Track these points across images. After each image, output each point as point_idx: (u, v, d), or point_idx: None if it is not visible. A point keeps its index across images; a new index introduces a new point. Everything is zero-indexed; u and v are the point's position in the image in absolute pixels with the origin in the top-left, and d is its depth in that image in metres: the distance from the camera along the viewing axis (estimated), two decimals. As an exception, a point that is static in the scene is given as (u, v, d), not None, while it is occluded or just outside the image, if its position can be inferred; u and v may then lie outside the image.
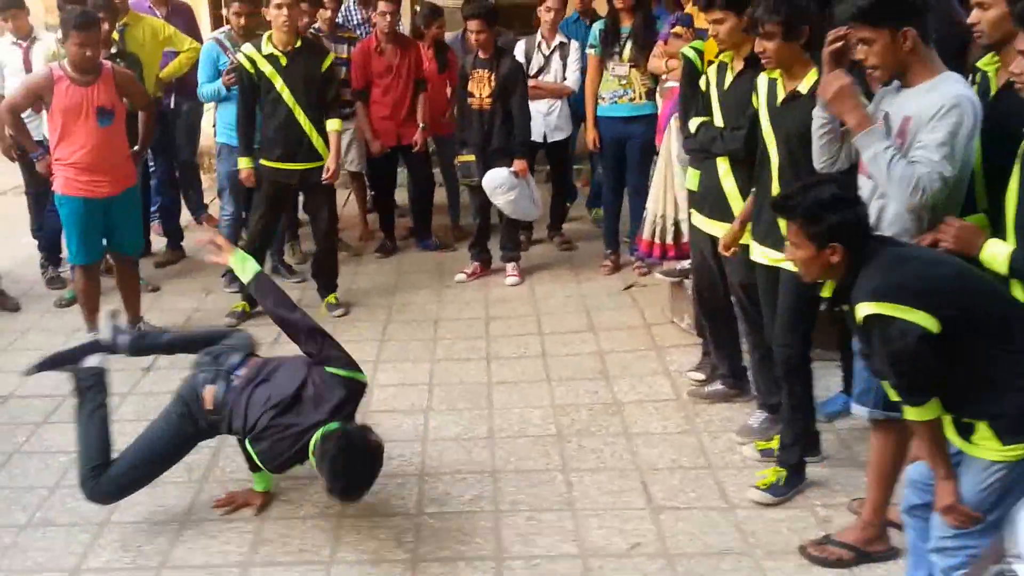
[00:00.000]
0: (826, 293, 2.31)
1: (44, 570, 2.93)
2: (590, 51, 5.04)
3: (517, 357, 4.36)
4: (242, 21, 4.96)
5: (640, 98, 4.96)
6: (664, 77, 4.45)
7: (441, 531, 3.04)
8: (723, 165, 3.33)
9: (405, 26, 6.47)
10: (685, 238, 4.50)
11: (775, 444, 3.34)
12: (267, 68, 4.59)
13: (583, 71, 5.26)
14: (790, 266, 3.01)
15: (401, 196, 6.17)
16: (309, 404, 2.84)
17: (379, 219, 6.03)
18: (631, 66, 4.91)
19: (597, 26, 5.06)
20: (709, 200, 3.42)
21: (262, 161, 4.74)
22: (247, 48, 4.67)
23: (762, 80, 3.04)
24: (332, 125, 4.79)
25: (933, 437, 2.14)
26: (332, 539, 3.03)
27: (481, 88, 5.01)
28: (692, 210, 3.59)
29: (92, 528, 3.13)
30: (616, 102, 4.99)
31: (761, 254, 3.14)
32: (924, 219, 2.51)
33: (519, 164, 5.01)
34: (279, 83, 4.59)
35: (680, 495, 3.19)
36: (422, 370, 4.25)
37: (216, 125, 5.30)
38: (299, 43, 4.62)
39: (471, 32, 4.97)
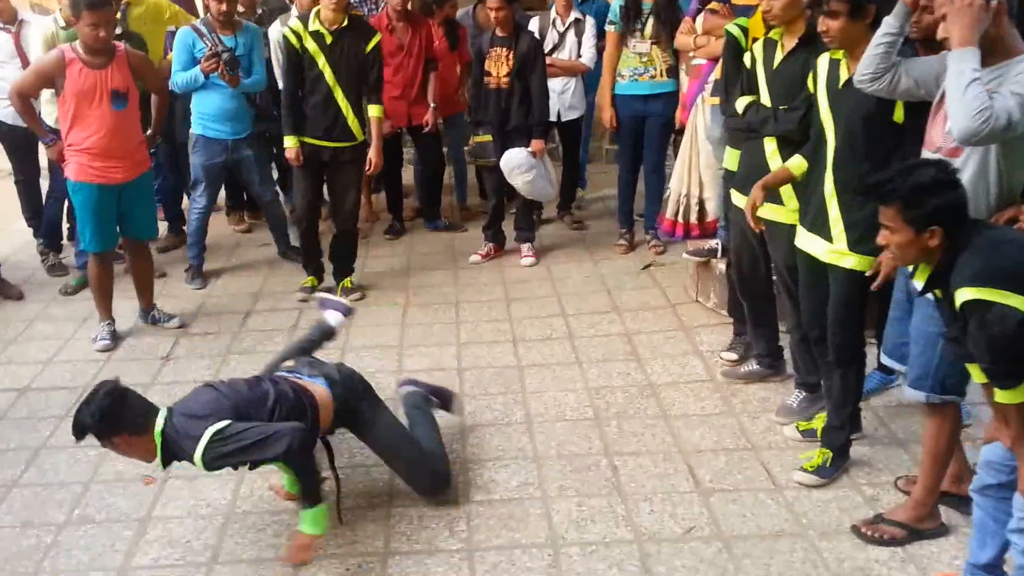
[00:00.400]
0: (919, 278, 2.29)
1: (91, 569, 2.87)
2: (609, 28, 4.95)
3: (544, 339, 4.33)
4: (222, 7, 4.71)
5: (661, 75, 4.89)
6: (692, 54, 4.38)
7: (492, 519, 3.02)
8: (771, 145, 3.27)
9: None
10: (709, 217, 4.48)
11: (816, 424, 3.35)
12: (311, 45, 4.48)
13: (599, 48, 5.18)
14: (839, 261, 2.98)
15: (405, 176, 6.07)
16: (199, 400, 2.80)
17: (387, 200, 5.94)
18: (652, 43, 4.84)
19: (617, 2, 4.96)
20: (753, 180, 3.33)
21: (301, 138, 4.60)
22: (294, 23, 4.54)
23: (823, 61, 2.97)
24: (374, 111, 4.69)
25: (1023, 419, 2.15)
26: (384, 529, 2.99)
27: (499, 67, 4.91)
28: (733, 190, 3.53)
29: (134, 524, 3.06)
30: (636, 79, 4.92)
31: (807, 243, 3.08)
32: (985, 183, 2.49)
33: (537, 144, 4.94)
34: (322, 61, 4.48)
35: (727, 477, 3.19)
36: (449, 354, 4.21)
37: (192, 115, 5.02)
38: (346, 22, 4.50)
39: (491, 10, 4.84)
